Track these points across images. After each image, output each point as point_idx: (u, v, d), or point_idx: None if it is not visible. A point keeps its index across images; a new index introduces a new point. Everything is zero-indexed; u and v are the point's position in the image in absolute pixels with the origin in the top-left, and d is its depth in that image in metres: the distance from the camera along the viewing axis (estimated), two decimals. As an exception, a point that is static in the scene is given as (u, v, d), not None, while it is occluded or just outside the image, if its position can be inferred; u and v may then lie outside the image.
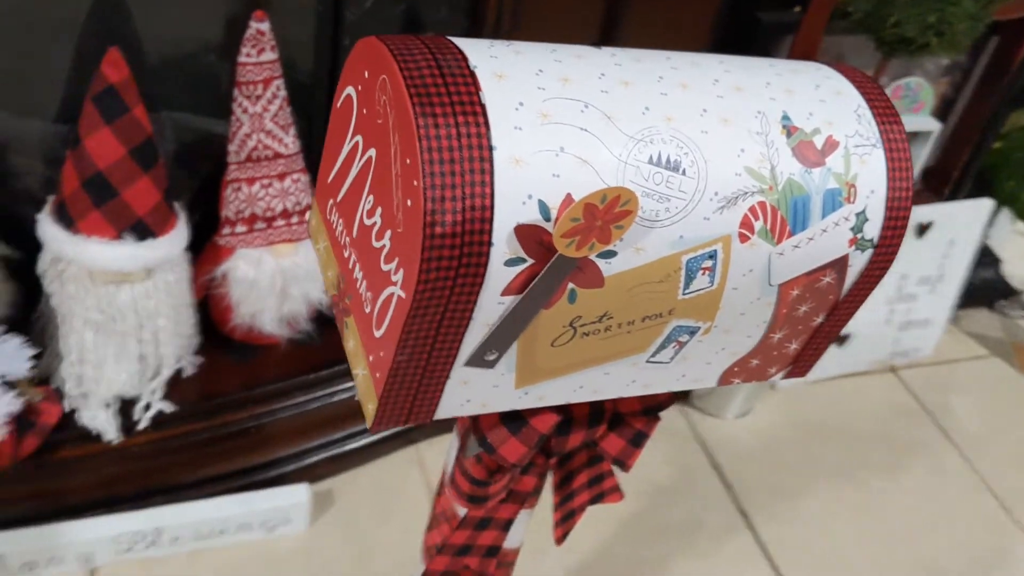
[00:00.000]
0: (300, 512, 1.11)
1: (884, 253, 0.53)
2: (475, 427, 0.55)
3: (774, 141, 0.49)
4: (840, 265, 0.52)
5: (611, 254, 0.45)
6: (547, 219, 0.43)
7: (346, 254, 0.51)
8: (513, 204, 0.42)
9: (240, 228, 1.10)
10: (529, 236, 0.43)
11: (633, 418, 0.61)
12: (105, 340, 1.03)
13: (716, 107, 0.48)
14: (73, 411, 1.05)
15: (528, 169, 0.43)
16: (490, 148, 0.42)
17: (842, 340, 1.49)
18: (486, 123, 0.42)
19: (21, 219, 1.00)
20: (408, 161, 0.42)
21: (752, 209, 0.48)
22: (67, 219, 0.98)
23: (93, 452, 1.05)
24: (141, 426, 1.08)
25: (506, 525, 0.65)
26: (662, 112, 0.46)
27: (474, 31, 1.09)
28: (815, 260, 0.51)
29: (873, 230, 0.52)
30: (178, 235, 1.03)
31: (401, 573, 0.94)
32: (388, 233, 0.45)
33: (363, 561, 1.11)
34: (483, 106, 0.42)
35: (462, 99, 0.42)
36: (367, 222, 0.48)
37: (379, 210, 0.46)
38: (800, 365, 0.59)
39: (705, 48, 1.19)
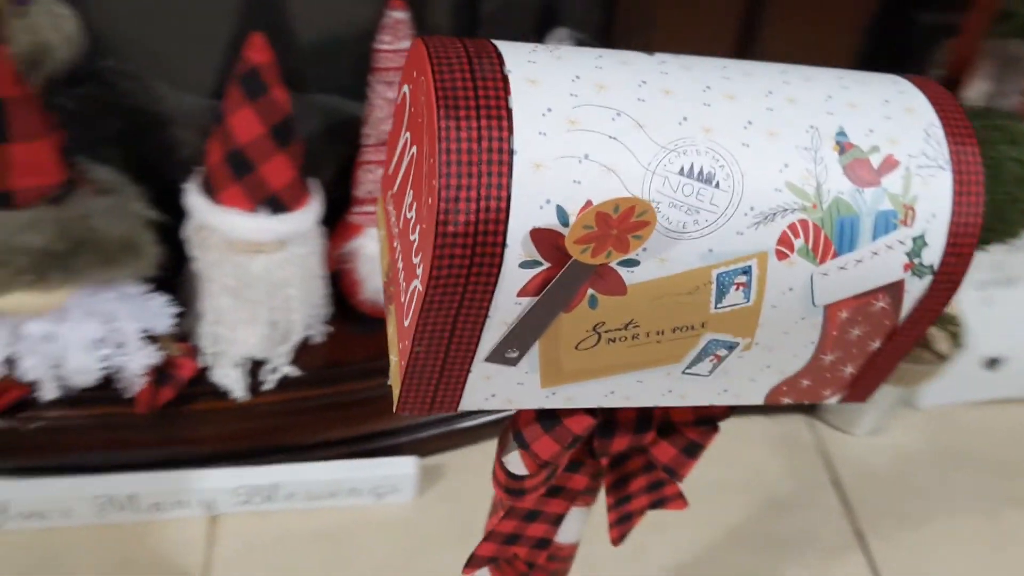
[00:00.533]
0: (408, 483, 1.15)
1: (946, 281, 0.50)
2: (513, 422, 0.56)
3: (824, 157, 0.47)
4: (895, 290, 0.50)
5: (633, 263, 0.45)
6: (565, 224, 0.43)
7: (394, 244, 0.53)
8: (530, 208, 0.43)
9: (370, 208, 1.14)
10: (545, 240, 0.44)
11: (686, 428, 0.60)
12: (239, 305, 1.11)
13: (763, 119, 0.47)
14: (207, 368, 1.13)
15: (548, 174, 0.43)
16: (510, 152, 0.43)
17: (993, 363, 1.40)
18: (509, 127, 0.43)
19: (172, 186, 1.08)
20: (431, 161, 0.43)
21: (792, 227, 0.47)
22: (210, 190, 1.06)
23: (222, 408, 1.13)
24: (268, 387, 1.15)
25: (556, 520, 0.66)
26: (700, 123, 0.46)
27: (608, 27, 1.09)
28: (865, 283, 0.49)
29: (933, 256, 0.49)
30: (311, 210, 1.09)
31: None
32: (418, 228, 0.47)
33: (463, 536, 1.14)
34: (509, 111, 0.43)
35: (488, 103, 0.43)
36: (407, 215, 0.50)
37: (415, 205, 0.48)
38: (858, 389, 0.56)
39: (854, 53, 1.15)
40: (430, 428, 1.22)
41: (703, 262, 0.46)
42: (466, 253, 0.43)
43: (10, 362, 1.04)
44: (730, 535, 1.21)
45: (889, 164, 0.48)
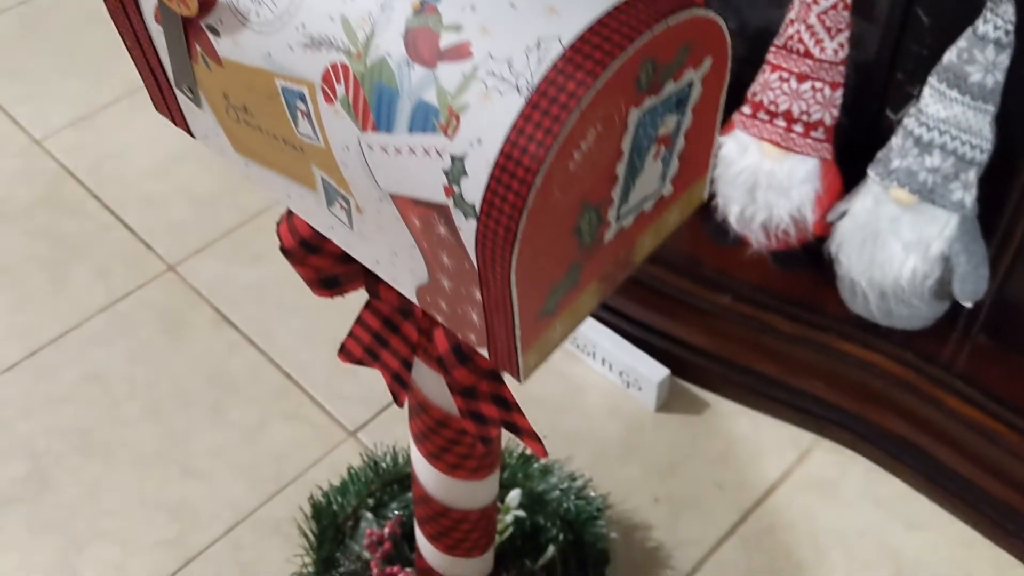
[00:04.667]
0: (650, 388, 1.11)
1: (492, 230, 0.38)
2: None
3: (395, 7, 0.39)
4: (446, 218, 0.40)
5: (215, 31, 0.44)
6: (162, -46, 0.44)
7: None
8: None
9: (746, 109, 1.06)
10: (151, -30, 0.45)
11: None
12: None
13: (374, -59, 0.40)
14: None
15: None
16: None
17: None
18: None
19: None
20: None
21: (334, 67, 0.40)
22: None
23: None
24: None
25: (404, 361, 0.64)
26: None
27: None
28: (412, 186, 0.40)
29: (474, 193, 0.38)
30: None
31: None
32: None
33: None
34: None
35: None
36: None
37: None
38: (497, 353, 0.45)
39: None
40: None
41: (264, 64, 0.43)
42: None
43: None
44: None
45: (458, 52, 0.37)
